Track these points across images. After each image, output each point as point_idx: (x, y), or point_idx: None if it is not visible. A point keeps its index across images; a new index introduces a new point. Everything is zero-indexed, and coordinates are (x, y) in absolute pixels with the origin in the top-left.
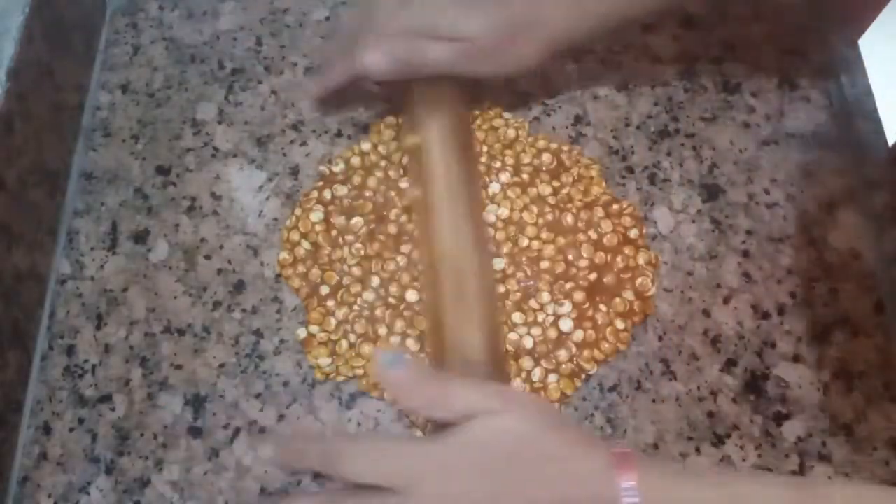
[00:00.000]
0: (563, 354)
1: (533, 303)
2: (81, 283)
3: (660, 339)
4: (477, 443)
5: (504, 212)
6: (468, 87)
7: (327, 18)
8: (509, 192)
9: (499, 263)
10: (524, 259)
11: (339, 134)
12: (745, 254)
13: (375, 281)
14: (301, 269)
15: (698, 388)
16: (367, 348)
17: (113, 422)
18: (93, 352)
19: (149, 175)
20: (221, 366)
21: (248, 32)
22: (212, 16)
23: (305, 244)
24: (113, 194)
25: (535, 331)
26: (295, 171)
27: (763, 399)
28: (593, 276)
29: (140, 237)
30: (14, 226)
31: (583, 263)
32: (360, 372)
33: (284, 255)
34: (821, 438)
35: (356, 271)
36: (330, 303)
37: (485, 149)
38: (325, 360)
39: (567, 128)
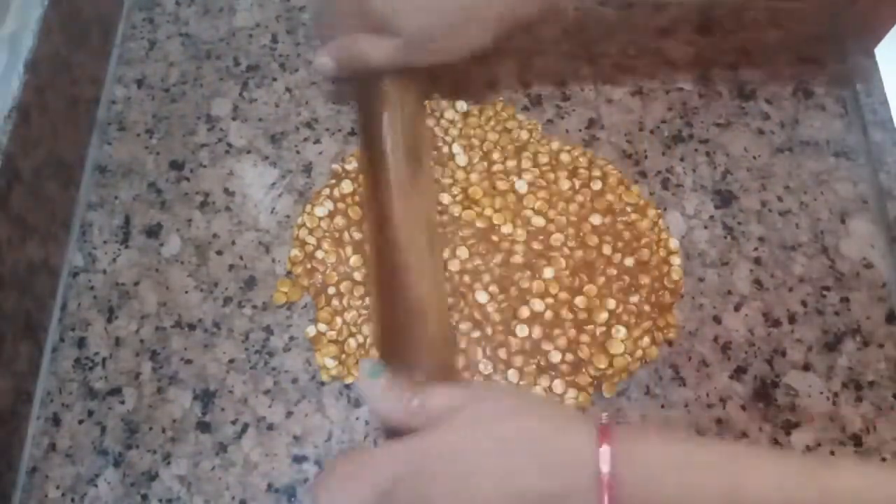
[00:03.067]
0: (590, 369)
1: (565, 312)
2: (94, 276)
3: (669, 344)
4: (461, 432)
5: (536, 218)
6: (422, 78)
7: None
8: (539, 195)
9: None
10: (562, 265)
11: (352, 132)
12: (757, 261)
13: None
14: (311, 266)
15: (707, 394)
16: (375, 350)
17: (122, 415)
18: (103, 344)
19: (162, 169)
20: (231, 361)
21: (263, 29)
22: (228, 12)
23: (315, 242)
24: (127, 188)
25: (561, 342)
26: (308, 169)
27: (772, 407)
28: (629, 288)
29: (153, 231)
30: (28, 217)
31: (614, 272)
32: None
33: (295, 252)
34: (829, 448)
35: (364, 271)
36: (337, 302)
37: (498, 149)
38: (331, 362)
39: (580, 131)
